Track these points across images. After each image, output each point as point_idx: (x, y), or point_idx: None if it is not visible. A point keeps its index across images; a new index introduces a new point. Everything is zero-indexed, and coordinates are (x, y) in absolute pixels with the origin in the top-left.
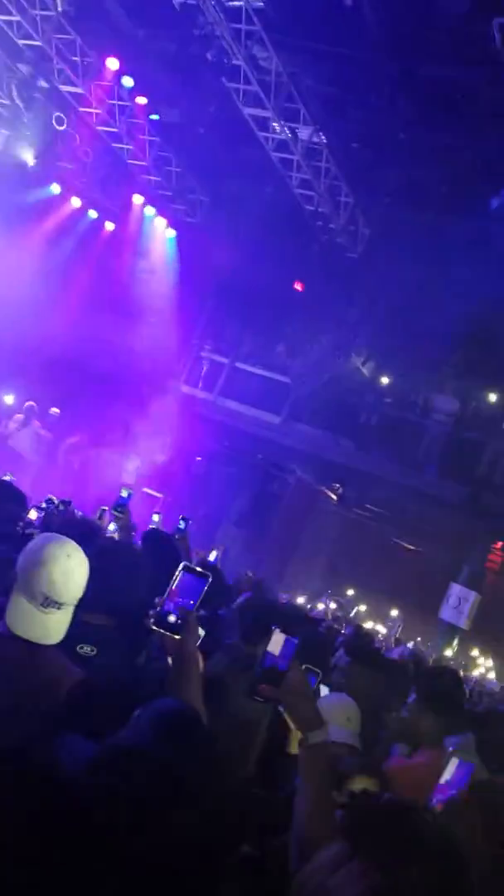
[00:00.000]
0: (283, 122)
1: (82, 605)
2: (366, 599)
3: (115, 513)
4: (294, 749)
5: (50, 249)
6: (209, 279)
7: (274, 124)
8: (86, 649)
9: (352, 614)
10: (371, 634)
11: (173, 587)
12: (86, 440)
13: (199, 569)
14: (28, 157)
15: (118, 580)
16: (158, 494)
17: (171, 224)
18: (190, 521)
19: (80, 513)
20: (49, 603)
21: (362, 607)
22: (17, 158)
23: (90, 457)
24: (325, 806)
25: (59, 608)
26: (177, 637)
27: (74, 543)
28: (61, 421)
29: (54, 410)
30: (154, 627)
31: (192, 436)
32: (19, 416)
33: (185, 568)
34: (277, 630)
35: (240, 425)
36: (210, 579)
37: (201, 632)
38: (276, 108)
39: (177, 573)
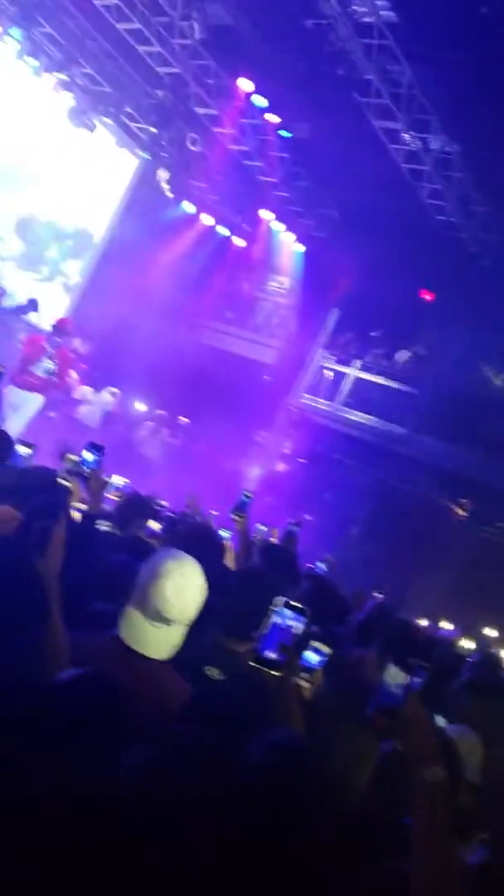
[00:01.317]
0: (413, 133)
1: (219, 627)
2: (496, 624)
3: (234, 516)
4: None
5: (182, 265)
6: (335, 290)
7: (405, 135)
8: (213, 672)
9: (480, 641)
10: (500, 663)
11: (272, 622)
12: (210, 447)
13: (297, 604)
14: (164, 178)
15: (257, 605)
16: (308, 518)
17: (300, 239)
18: (299, 528)
19: (202, 519)
20: (158, 618)
21: (492, 633)
22: (154, 180)
23: (213, 463)
24: (443, 858)
25: (168, 624)
26: (276, 674)
27: (194, 563)
28: (189, 429)
29: (183, 419)
30: (253, 664)
31: (313, 446)
32: (150, 424)
33: (284, 603)
34: (395, 666)
35: (363, 436)
36: (308, 617)
37: (328, 649)
38: (407, 120)
39: (275, 607)
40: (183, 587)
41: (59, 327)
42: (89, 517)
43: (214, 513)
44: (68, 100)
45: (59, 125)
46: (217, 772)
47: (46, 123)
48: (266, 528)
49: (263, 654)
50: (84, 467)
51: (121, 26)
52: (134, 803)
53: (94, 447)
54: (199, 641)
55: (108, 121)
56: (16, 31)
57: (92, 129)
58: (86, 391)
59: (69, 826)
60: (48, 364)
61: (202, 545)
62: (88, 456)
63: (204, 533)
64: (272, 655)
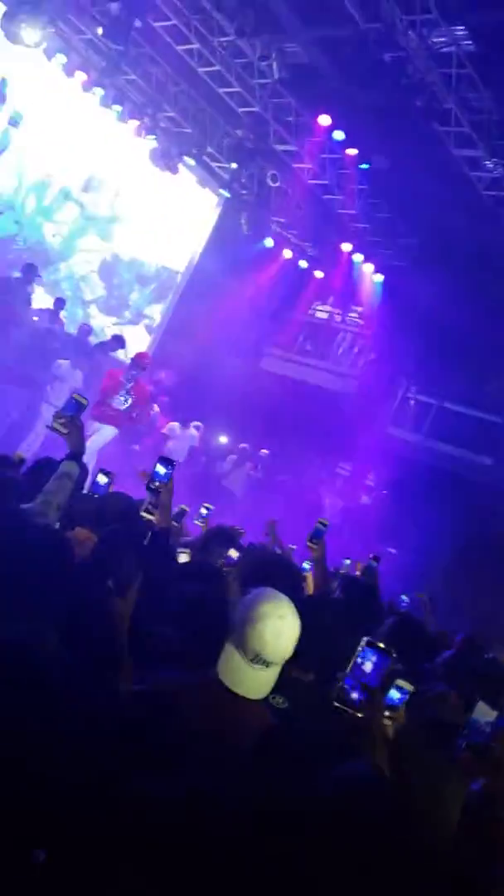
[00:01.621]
0: (495, 160)
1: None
2: None
3: (310, 545)
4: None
5: (262, 298)
6: (417, 320)
7: (486, 163)
8: (278, 700)
9: None
10: None
11: (356, 662)
12: (293, 480)
13: (381, 645)
14: (245, 214)
15: (321, 632)
16: (392, 551)
17: (380, 269)
18: (379, 562)
19: (279, 550)
20: (258, 660)
21: None
22: (236, 216)
23: (296, 495)
24: None
25: (267, 666)
26: (360, 715)
27: (290, 603)
28: (271, 461)
29: (264, 451)
30: (337, 704)
31: (398, 478)
32: (233, 457)
33: (368, 643)
34: (484, 703)
35: (449, 467)
36: (394, 659)
37: (411, 687)
38: (488, 147)
39: (359, 647)
40: (281, 629)
41: (137, 361)
42: (162, 535)
43: (293, 547)
44: (151, 143)
45: (142, 168)
46: (292, 806)
47: (130, 167)
48: (350, 562)
49: (347, 694)
50: (156, 481)
51: (202, 70)
52: (210, 835)
53: (166, 461)
54: None
55: (190, 161)
56: (100, 90)
57: (175, 171)
58: (174, 427)
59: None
60: (125, 397)
61: (281, 575)
62: (160, 469)
63: (283, 563)
64: (355, 696)
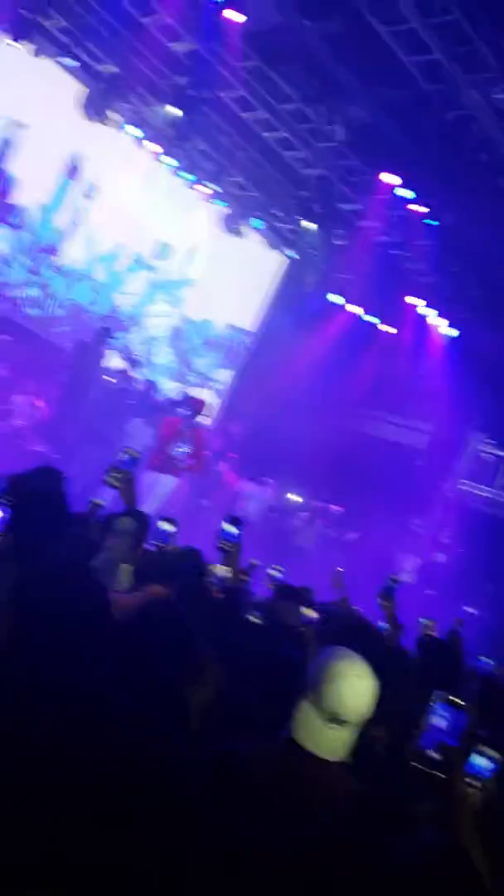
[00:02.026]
0: None
1: None
2: None
3: (381, 602)
4: None
5: (330, 355)
6: (488, 372)
7: None
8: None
9: None
10: None
11: (430, 718)
12: (365, 537)
13: (457, 700)
14: (311, 273)
15: (398, 692)
16: (472, 611)
17: (451, 323)
18: (462, 625)
19: (357, 609)
20: (335, 720)
21: None
22: (302, 275)
23: (368, 553)
24: None
25: (343, 726)
26: (441, 777)
27: (364, 662)
28: (343, 518)
29: (336, 508)
30: (415, 764)
31: (471, 534)
32: (305, 515)
33: (441, 698)
34: None
35: None
36: (468, 717)
37: (498, 755)
38: None
39: (432, 703)
40: (358, 688)
41: (191, 404)
42: (233, 594)
43: (359, 609)
44: (220, 208)
45: (211, 232)
46: (372, 875)
47: (199, 232)
48: (428, 622)
49: (425, 753)
50: (226, 541)
51: (267, 135)
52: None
53: (234, 520)
54: None
55: (257, 223)
56: (169, 159)
57: (241, 234)
58: (246, 485)
59: None
60: (184, 445)
61: (360, 634)
62: (230, 528)
63: (361, 622)
64: (434, 755)
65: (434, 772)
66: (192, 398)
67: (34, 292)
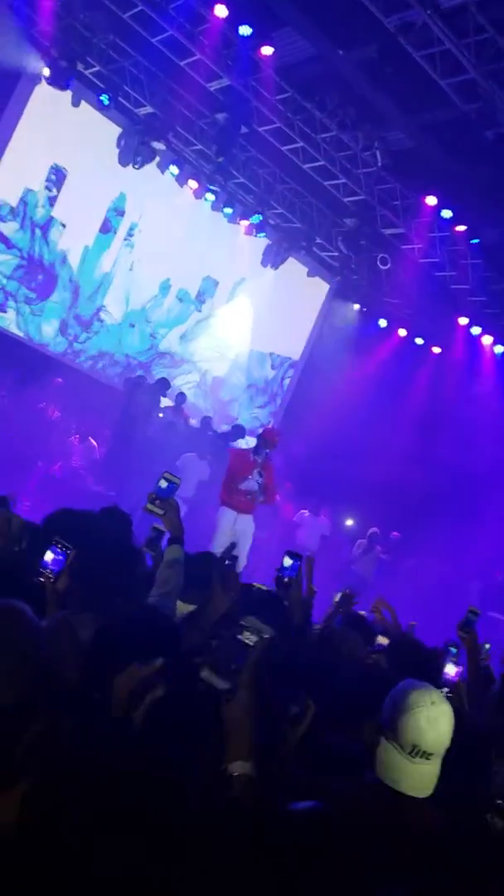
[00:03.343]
0: None
1: None
2: None
3: (461, 633)
4: None
5: (380, 378)
6: None
7: None
8: (497, 823)
9: None
10: None
11: None
12: (423, 562)
13: None
14: (357, 299)
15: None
16: None
17: (499, 340)
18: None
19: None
20: (417, 752)
21: None
22: (348, 302)
23: (428, 578)
24: None
25: (427, 759)
26: None
27: (437, 691)
28: (401, 544)
29: (394, 534)
30: (499, 801)
31: None
32: (363, 542)
33: None
34: None
35: None
36: None
37: None
38: None
39: None
40: (436, 717)
41: (266, 438)
42: (298, 631)
43: (413, 623)
44: (263, 240)
45: (255, 264)
46: None
47: (243, 265)
48: (491, 647)
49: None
50: (285, 576)
51: (307, 166)
52: None
53: (293, 555)
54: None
55: (301, 253)
56: (210, 195)
57: (279, 265)
58: (304, 514)
59: None
60: (256, 478)
61: (426, 663)
62: (289, 562)
63: (425, 651)
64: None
65: None
66: (268, 429)
67: (83, 338)
